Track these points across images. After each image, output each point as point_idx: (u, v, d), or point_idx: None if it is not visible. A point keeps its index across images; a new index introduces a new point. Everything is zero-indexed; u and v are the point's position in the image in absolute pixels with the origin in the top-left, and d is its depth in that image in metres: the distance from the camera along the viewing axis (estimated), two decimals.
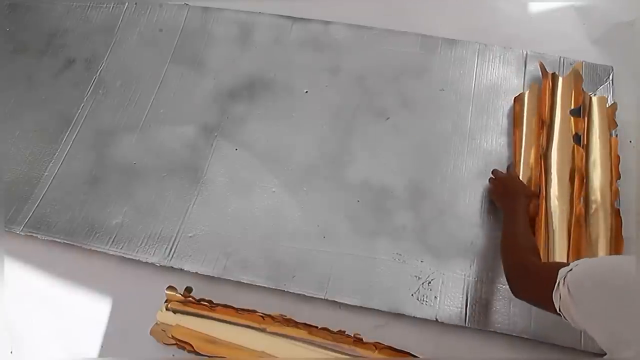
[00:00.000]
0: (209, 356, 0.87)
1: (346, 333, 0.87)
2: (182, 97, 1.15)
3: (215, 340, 0.88)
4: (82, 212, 1.03)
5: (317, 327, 0.88)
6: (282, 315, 0.89)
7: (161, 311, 0.91)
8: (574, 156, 1.00)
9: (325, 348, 0.86)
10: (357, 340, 0.86)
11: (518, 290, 0.75)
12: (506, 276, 0.79)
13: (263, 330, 0.88)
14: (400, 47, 1.17)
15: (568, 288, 0.59)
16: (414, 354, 0.85)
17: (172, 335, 0.88)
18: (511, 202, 0.91)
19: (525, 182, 0.98)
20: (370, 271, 0.94)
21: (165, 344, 0.89)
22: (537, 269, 0.71)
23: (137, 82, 1.18)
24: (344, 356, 0.85)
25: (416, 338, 0.87)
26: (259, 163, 1.06)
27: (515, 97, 1.08)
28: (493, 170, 1.00)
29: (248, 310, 0.90)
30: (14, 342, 0.94)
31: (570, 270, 0.60)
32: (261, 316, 0.90)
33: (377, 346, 0.86)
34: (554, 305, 0.61)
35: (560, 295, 0.60)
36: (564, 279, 0.60)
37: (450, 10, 1.25)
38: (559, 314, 0.61)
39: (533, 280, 0.70)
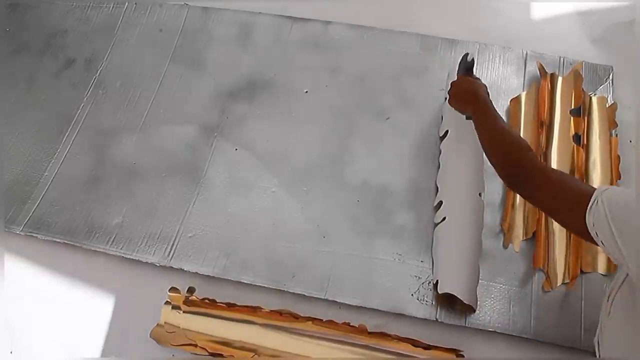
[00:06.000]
0: (210, 354, 0.87)
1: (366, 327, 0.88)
2: (182, 97, 1.15)
3: (222, 340, 0.88)
4: (82, 212, 1.03)
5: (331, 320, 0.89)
6: (289, 311, 0.89)
7: (165, 312, 0.91)
8: (573, 156, 1.00)
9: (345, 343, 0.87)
10: (379, 334, 0.87)
11: (528, 195, 0.74)
12: (503, 172, 0.77)
13: (273, 327, 0.88)
14: (400, 47, 1.17)
15: (605, 207, 0.59)
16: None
17: (176, 343, 0.88)
18: (474, 100, 0.87)
19: None
20: (370, 271, 0.94)
21: (168, 345, 0.89)
22: (564, 182, 0.69)
23: (137, 82, 1.18)
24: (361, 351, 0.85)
25: (416, 338, 0.87)
26: (259, 163, 1.06)
27: (511, 99, 1.08)
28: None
29: (254, 307, 0.90)
30: (14, 342, 0.94)
31: (606, 190, 0.60)
32: (268, 312, 0.90)
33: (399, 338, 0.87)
34: (582, 223, 0.61)
35: (595, 214, 0.60)
36: (601, 198, 0.60)
37: (450, 10, 1.25)
38: (584, 233, 0.62)
39: (560, 194, 0.68)
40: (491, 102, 0.86)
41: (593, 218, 0.60)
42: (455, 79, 0.98)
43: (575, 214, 0.63)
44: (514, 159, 0.75)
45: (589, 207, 0.61)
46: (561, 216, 0.70)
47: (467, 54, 0.96)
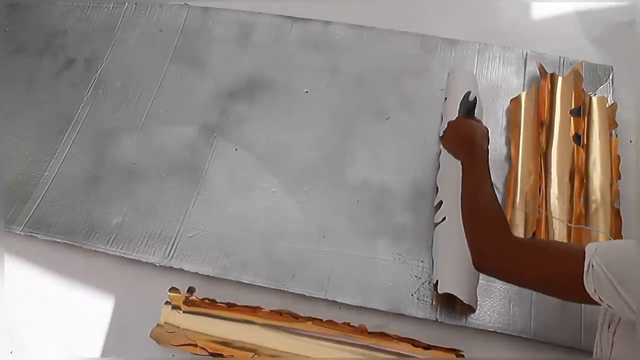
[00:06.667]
0: (210, 354, 0.87)
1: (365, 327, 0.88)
2: (182, 97, 1.15)
3: (222, 340, 0.88)
4: (82, 212, 1.03)
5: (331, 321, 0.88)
6: (289, 311, 0.89)
7: (165, 312, 0.91)
8: (574, 156, 1.00)
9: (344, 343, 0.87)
10: (379, 333, 0.87)
11: (502, 269, 0.67)
12: (475, 245, 0.71)
13: (273, 327, 0.88)
14: (400, 47, 1.17)
15: (604, 269, 0.54)
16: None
17: (176, 343, 0.88)
18: (469, 148, 0.79)
19: (525, 181, 0.98)
20: (370, 271, 0.94)
21: (168, 345, 0.89)
22: (548, 251, 0.64)
23: (137, 82, 1.18)
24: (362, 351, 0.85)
25: (416, 338, 0.87)
26: (259, 163, 1.06)
27: (511, 99, 1.08)
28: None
29: (254, 307, 0.90)
30: (14, 342, 0.94)
31: (597, 249, 0.56)
32: (268, 312, 0.90)
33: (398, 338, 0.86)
34: (582, 291, 0.56)
35: (594, 280, 0.55)
36: (595, 260, 0.55)
37: (450, 10, 1.25)
38: (587, 299, 0.57)
39: (548, 266, 0.62)
40: (487, 153, 0.78)
41: (593, 284, 0.56)
42: (454, 119, 0.89)
43: (570, 285, 0.58)
44: (480, 240, 0.70)
45: (585, 274, 0.56)
46: (556, 289, 0.63)
47: (468, 93, 0.86)
